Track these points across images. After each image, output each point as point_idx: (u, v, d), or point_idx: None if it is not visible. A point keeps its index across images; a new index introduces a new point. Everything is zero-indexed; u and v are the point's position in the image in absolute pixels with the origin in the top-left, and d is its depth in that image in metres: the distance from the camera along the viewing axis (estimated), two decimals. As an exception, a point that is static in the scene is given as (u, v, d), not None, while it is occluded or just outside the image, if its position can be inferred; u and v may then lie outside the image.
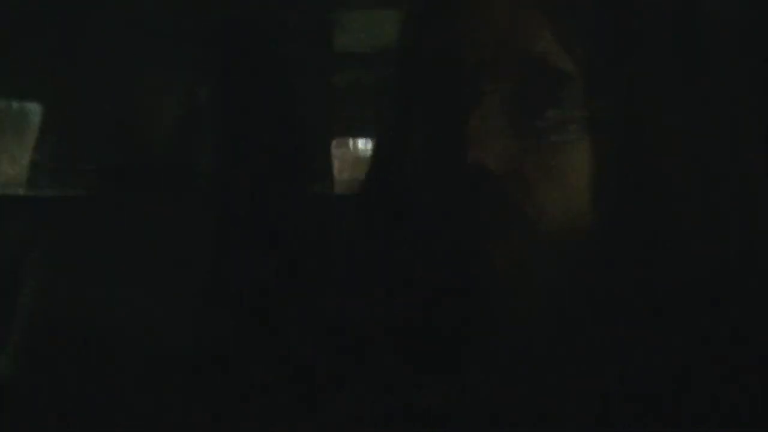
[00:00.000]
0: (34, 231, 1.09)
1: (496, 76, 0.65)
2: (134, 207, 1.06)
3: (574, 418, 0.65)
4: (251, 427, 0.69)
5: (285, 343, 0.70)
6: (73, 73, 1.17)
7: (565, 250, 0.66)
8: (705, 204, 0.67)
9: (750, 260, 0.67)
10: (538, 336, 0.65)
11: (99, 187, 1.13)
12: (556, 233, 0.66)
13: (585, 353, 0.64)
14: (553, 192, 0.66)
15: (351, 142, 1.14)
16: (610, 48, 0.67)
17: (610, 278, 0.65)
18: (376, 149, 0.76)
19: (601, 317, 0.65)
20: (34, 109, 1.18)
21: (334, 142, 1.18)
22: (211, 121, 1.15)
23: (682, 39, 0.70)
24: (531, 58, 0.65)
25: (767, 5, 0.73)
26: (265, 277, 0.79)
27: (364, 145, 1.04)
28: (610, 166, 0.66)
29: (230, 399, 0.70)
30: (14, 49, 1.15)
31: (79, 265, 1.01)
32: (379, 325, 0.67)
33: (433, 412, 0.66)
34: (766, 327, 0.65)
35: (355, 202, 0.79)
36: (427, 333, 0.66)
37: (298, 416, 0.69)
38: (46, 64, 1.17)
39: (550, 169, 0.66)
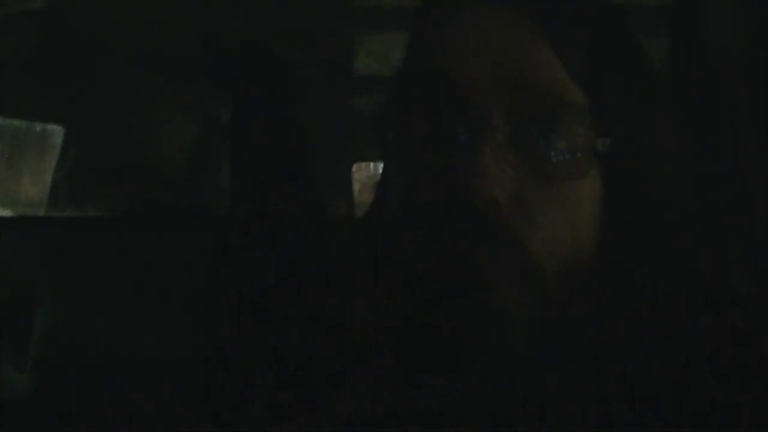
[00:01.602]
0: (51, 250, 1.10)
1: (502, 104, 0.65)
2: (149, 230, 1.07)
3: (572, 419, 0.64)
4: (251, 427, 0.69)
5: (285, 343, 0.70)
6: (92, 98, 1.19)
7: (567, 283, 0.65)
8: (709, 241, 0.67)
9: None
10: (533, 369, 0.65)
11: (116, 210, 1.14)
12: (559, 266, 0.65)
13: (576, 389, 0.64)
14: (557, 225, 0.66)
15: (372, 165, 1.15)
16: (617, 81, 0.68)
17: (612, 314, 0.65)
18: (383, 175, 0.76)
19: (600, 362, 0.64)
20: (56, 131, 1.21)
21: (355, 166, 1.18)
22: (228, 148, 1.16)
23: (688, 74, 0.71)
24: (539, 89, 0.65)
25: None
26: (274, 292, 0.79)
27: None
28: (615, 199, 0.66)
29: (230, 399, 0.70)
30: (37, 72, 1.17)
31: (92, 288, 1.02)
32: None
33: (433, 413, 0.66)
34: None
35: (361, 226, 0.79)
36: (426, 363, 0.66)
37: (298, 416, 0.68)
38: (67, 88, 1.19)
39: (555, 202, 0.66)
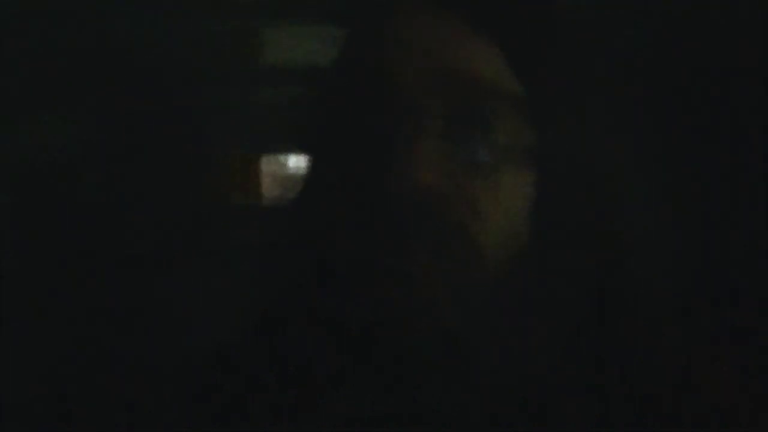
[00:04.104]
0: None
1: (435, 97, 0.65)
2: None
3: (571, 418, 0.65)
4: (251, 427, 0.69)
5: (285, 343, 0.70)
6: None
7: (505, 270, 0.66)
8: (644, 233, 0.67)
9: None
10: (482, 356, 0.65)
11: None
12: (500, 256, 0.66)
13: (522, 369, 0.64)
14: (498, 214, 0.66)
15: (281, 158, 1.14)
16: (557, 74, 0.68)
17: (549, 300, 0.65)
18: (309, 166, 0.75)
19: (539, 336, 0.65)
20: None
21: (263, 159, 1.18)
22: (130, 141, 1.15)
23: (630, 69, 0.71)
24: (474, 81, 0.65)
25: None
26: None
27: (294, 161, 1.03)
28: (549, 191, 0.67)
29: (230, 399, 0.70)
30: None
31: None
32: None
33: (433, 413, 0.66)
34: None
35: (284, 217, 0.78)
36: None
37: (298, 416, 0.68)
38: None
39: (496, 191, 0.66)
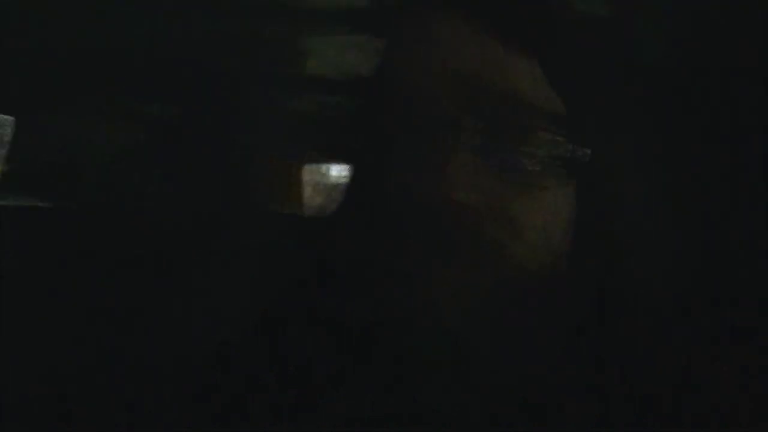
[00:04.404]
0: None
1: (473, 112, 0.65)
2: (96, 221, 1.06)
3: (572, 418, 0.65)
4: (251, 427, 0.69)
5: (285, 343, 0.70)
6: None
7: (539, 289, 0.66)
8: (683, 254, 0.67)
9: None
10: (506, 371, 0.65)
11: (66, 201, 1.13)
12: (536, 273, 0.66)
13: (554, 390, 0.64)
14: (535, 230, 0.66)
15: (323, 167, 1.14)
16: (594, 90, 0.68)
17: (585, 319, 0.65)
18: (351, 177, 0.75)
19: (572, 357, 0.65)
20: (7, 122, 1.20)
21: (306, 168, 1.18)
22: (171, 149, 1.15)
23: (667, 86, 0.71)
24: (514, 98, 0.65)
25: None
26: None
27: (337, 171, 1.03)
28: (587, 208, 0.67)
29: (230, 399, 0.70)
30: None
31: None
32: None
33: (433, 413, 0.66)
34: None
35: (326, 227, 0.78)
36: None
37: (298, 416, 0.68)
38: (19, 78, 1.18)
39: (533, 208, 0.66)
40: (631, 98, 0.70)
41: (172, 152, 1.13)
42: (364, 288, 0.68)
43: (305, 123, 1.15)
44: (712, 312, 0.65)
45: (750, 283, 0.66)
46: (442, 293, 0.64)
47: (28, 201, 1.17)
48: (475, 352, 0.65)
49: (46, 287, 0.98)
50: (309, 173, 1.15)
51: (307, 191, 1.12)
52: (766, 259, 0.66)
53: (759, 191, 0.67)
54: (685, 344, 0.65)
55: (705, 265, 0.66)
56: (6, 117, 1.20)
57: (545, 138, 0.65)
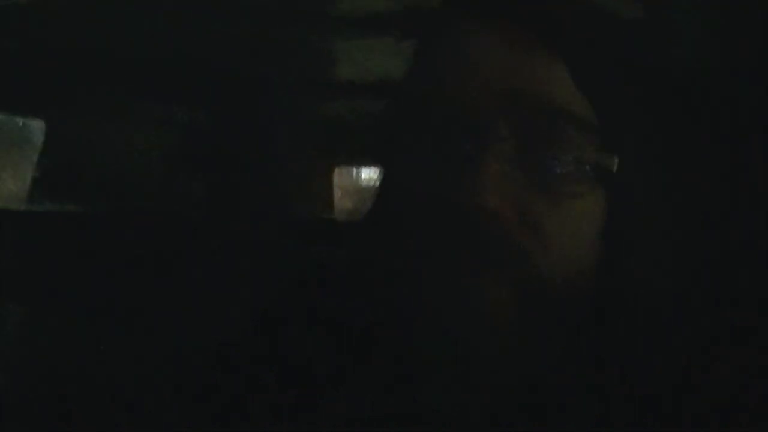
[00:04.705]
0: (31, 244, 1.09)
1: (508, 121, 0.64)
2: (131, 227, 1.07)
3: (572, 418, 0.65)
4: (251, 427, 0.69)
5: (285, 343, 0.70)
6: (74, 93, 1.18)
7: (569, 297, 0.66)
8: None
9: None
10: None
11: (97, 205, 1.13)
12: (563, 281, 0.65)
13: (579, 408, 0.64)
14: (562, 240, 0.65)
15: (354, 171, 1.14)
16: (626, 98, 0.67)
17: (616, 330, 0.65)
18: (382, 181, 0.75)
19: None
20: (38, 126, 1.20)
21: (336, 171, 1.18)
22: (203, 154, 1.16)
23: (698, 97, 0.71)
24: (546, 104, 0.65)
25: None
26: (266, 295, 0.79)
27: (367, 174, 1.04)
28: (620, 216, 0.66)
29: (230, 399, 0.70)
30: (20, 66, 1.16)
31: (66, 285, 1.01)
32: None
33: (433, 413, 0.67)
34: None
35: (356, 230, 0.79)
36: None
37: (298, 416, 0.69)
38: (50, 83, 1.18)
39: (560, 218, 0.65)
40: (662, 104, 0.69)
41: (203, 156, 1.14)
42: (372, 288, 0.68)
43: (336, 127, 1.16)
44: (712, 312, 0.65)
45: (750, 283, 0.66)
46: (456, 297, 0.64)
47: (59, 206, 1.17)
48: (476, 352, 0.65)
49: (48, 288, 0.98)
50: (340, 177, 1.16)
51: (338, 194, 1.12)
52: (766, 259, 0.66)
53: (759, 191, 0.67)
54: (685, 344, 0.65)
55: (705, 265, 0.66)
56: (36, 121, 1.20)
57: (576, 145, 0.65)
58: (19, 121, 1.21)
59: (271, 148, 1.14)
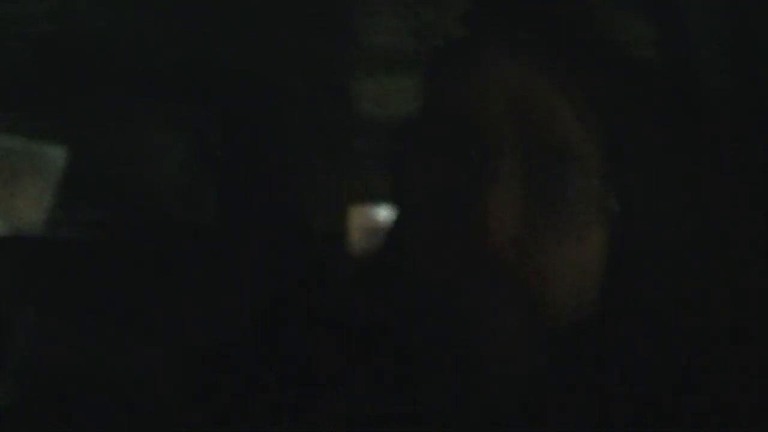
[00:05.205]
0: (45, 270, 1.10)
1: (513, 157, 0.65)
2: (139, 254, 1.08)
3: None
4: (251, 427, 0.69)
5: (285, 343, 0.71)
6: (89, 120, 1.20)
7: (573, 332, 0.66)
8: (721, 294, 0.67)
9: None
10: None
11: (107, 234, 1.14)
12: (566, 314, 0.66)
13: None
14: (565, 274, 0.66)
15: (370, 207, 1.15)
16: (630, 129, 0.68)
17: (617, 362, 0.65)
18: (395, 215, 0.76)
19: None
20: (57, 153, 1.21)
21: (351, 208, 1.19)
22: (221, 185, 1.17)
23: (703, 128, 0.72)
24: (550, 141, 0.65)
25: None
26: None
27: (383, 210, 1.04)
28: (623, 248, 0.67)
29: (230, 399, 0.70)
30: (38, 93, 1.18)
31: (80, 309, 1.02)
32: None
33: (433, 413, 0.66)
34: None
35: (369, 265, 0.79)
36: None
37: (298, 416, 0.68)
38: (66, 109, 1.20)
39: (566, 256, 0.66)
40: (671, 144, 0.70)
41: (222, 189, 1.15)
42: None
43: (356, 163, 1.17)
44: (712, 312, 0.65)
45: (750, 283, 0.66)
46: (461, 329, 0.65)
47: (74, 234, 1.19)
48: (476, 353, 0.65)
49: (66, 311, 0.99)
50: (356, 214, 1.16)
51: (356, 234, 1.13)
52: (766, 259, 0.66)
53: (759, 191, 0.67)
54: (685, 344, 0.65)
55: (705, 265, 0.66)
56: (55, 148, 1.22)
57: (582, 182, 0.66)
58: (37, 147, 1.23)
59: (292, 185, 1.15)
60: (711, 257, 0.69)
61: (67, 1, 1.15)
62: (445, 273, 0.65)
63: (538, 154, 0.65)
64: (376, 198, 1.12)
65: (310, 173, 1.14)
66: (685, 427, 0.63)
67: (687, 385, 0.64)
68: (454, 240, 0.65)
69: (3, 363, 0.95)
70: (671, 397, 0.64)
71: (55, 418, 0.83)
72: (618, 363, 0.65)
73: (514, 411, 0.65)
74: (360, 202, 1.17)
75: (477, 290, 0.64)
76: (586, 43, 0.70)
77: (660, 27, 0.79)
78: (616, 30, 0.72)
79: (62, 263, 1.12)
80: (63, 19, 1.15)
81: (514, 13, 0.69)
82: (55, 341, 0.98)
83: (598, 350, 0.65)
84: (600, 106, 0.66)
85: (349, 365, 0.69)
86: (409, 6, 1.06)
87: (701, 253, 0.69)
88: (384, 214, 0.91)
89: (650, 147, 0.69)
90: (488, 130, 0.66)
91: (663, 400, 0.64)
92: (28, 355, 0.96)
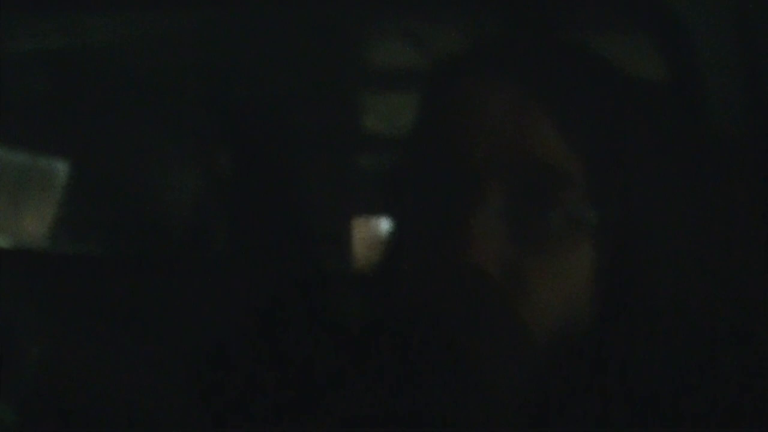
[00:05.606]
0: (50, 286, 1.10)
1: (497, 175, 0.65)
2: (147, 272, 1.08)
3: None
4: (251, 427, 0.69)
5: (285, 343, 0.71)
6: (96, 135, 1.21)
7: (559, 355, 0.66)
8: (707, 317, 0.67)
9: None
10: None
11: (116, 249, 1.15)
12: (552, 338, 0.65)
13: None
14: (551, 295, 0.66)
15: (372, 221, 1.15)
16: (613, 151, 0.68)
17: (604, 387, 0.65)
18: (389, 234, 0.76)
19: (571, 396, 0.65)
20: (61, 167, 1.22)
21: (354, 221, 1.19)
22: (227, 199, 1.17)
23: (687, 149, 0.72)
24: (533, 159, 0.65)
25: None
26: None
27: (385, 226, 1.05)
28: (610, 272, 0.66)
29: (230, 399, 0.70)
30: (43, 107, 1.19)
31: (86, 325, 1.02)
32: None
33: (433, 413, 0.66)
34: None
35: (367, 283, 0.79)
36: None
37: (298, 416, 0.68)
38: (72, 124, 1.21)
39: (550, 272, 0.66)
40: (651, 160, 0.70)
41: (226, 200, 1.15)
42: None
43: (358, 178, 1.17)
44: (712, 312, 0.65)
45: (750, 283, 0.66)
46: (460, 360, 0.65)
47: (80, 249, 1.19)
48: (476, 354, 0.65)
49: (68, 328, 0.99)
50: (359, 227, 1.16)
51: (357, 246, 1.13)
52: (766, 259, 0.66)
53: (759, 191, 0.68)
54: (685, 344, 0.64)
55: (705, 265, 0.67)
56: (59, 163, 1.23)
57: (564, 200, 0.66)
58: (42, 162, 1.24)
59: (293, 196, 1.15)
60: (708, 263, 0.69)
61: (78, 18, 1.16)
62: (435, 288, 0.65)
63: (519, 175, 0.65)
64: (378, 210, 1.12)
65: (315, 184, 1.15)
66: (685, 427, 0.63)
67: (687, 385, 0.64)
68: (440, 256, 0.65)
69: (12, 384, 0.95)
70: (671, 397, 0.63)
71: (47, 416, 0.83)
72: (615, 365, 0.65)
73: (513, 412, 0.65)
74: (362, 213, 1.18)
75: (463, 305, 0.64)
76: (572, 59, 0.70)
77: (662, 45, 0.79)
78: (609, 48, 0.73)
79: (67, 277, 1.12)
80: (74, 35, 1.16)
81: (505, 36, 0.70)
82: (59, 353, 0.98)
83: (597, 351, 0.65)
84: (585, 123, 0.67)
85: (349, 366, 0.69)
86: (412, 24, 1.07)
87: (697, 260, 0.69)
88: (385, 226, 0.92)
89: (633, 164, 0.69)
90: (468, 155, 0.66)
91: (662, 401, 0.63)
92: (30, 365, 0.96)
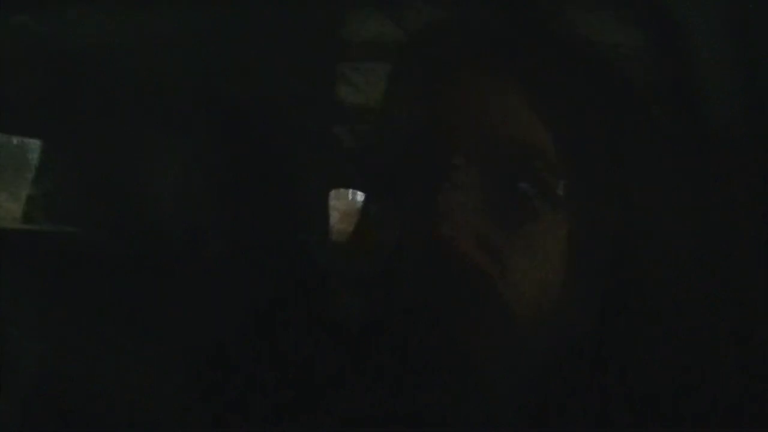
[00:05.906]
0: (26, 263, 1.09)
1: (467, 149, 0.66)
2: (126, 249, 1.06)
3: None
4: (251, 427, 0.69)
5: (285, 343, 0.70)
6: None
7: (536, 325, 0.66)
8: (677, 282, 0.68)
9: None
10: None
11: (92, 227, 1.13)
12: (527, 308, 0.66)
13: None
14: (524, 267, 0.66)
15: (350, 192, 1.15)
16: (582, 123, 0.68)
17: (581, 356, 0.66)
18: (363, 207, 0.76)
19: (571, 396, 0.65)
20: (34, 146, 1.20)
21: (332, 193, 1.18)
22: (206, 171, 1.16)
23: (653, 121, 0.72)
24: (502, 133, 0.66)
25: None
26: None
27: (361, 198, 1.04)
28: (580, 241, 0.67)
29: (230, 399, 0.70)
30: (17, 86, 1.16)
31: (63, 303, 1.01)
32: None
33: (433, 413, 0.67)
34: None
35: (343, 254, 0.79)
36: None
37: (298, 416, 0.68)
38: (47, 103, 1.19)
39: (522, 244, 0.66)
40: (618, 129, 0.70)
41: (202, 176, 1.14)
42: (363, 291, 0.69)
43: (334, 149, 1.16)
44: (712, 312, 0.66)
45: (750, 283, 0.67)
46: (435, 332, 0.65)
47: (55, 226, 1.17)
48: (476, 354, 0.65)
49: (46, 306, 0.98)
50: (336, 198, 1.16)
51: (334, 216, 1.13)
52: (766, 259, 0.67)
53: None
54: (685, 344, 0.65)
55: (705, 265, 0.67)
56: (32, 140, 1.20)
57: (533, 171, 0.66)
58: (15, 140, 1.21)
59: (271, 169, 1.14)
60: (707, 263, 0.69)
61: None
62: (408, 269, 0.66)
63: (489, 149, 0.66)
64: (354, 183, 1.11)
65: (292, 156, 1.14)
66: (685, 427, 0.63)
67: (687, 385, 0.64)
68: (422, 236, 0.65)
69: (6, 377, 0.93)
70: (671, 397, 0.64)
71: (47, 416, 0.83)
72: (615, 365, 0.66)
73: (511, 410, 0.66)
74: (340, 186, 1.17)
75: (446, 284, 0.65)
76: (549, 42, 0.70)
77: (652, 34, 0.79)
78: (596, 33, 0.73)
79: (45, 257, 1.10)
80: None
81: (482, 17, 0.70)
82: (59, 353, 0.97)
83: (597, 351, 0.66)
84: (561, 103, 0.67)
85: (348, 366, 0.69)
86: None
87: (697, 259, 0.70)
88: (360, 198, 0.92)
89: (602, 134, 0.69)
90: (438, 130, 0.67)
91: (662, 401, 0.64)
92: (30, 365, 0.95)
